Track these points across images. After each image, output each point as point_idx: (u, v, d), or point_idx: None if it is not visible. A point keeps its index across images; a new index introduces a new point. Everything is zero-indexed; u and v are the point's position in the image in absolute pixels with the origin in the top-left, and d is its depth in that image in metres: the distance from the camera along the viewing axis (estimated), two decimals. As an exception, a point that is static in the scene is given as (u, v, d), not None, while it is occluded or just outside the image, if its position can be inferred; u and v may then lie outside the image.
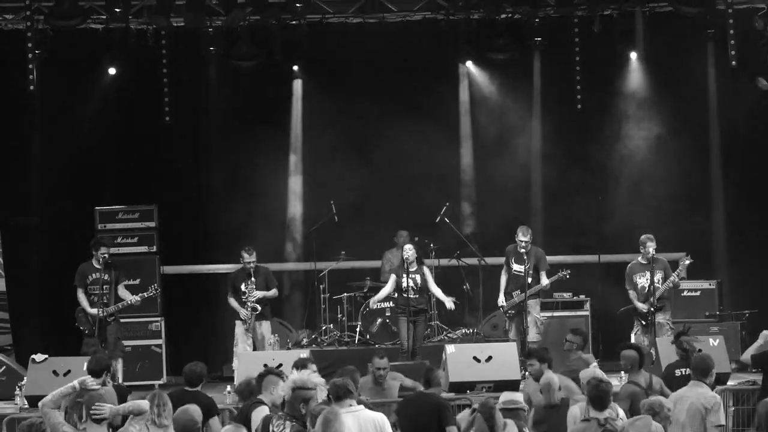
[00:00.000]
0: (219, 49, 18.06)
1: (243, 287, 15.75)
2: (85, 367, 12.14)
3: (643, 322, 15.52)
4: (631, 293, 15.66)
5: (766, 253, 17.95)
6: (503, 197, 18.28)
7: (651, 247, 15.44)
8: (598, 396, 9.31)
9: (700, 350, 12.83)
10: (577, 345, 13.03)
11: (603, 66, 18.77)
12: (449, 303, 15.99)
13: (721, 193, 18.72)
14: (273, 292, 15.90)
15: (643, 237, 15.64)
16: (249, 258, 15.70)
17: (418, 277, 15.78)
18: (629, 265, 15.82)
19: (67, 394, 9.33)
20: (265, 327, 15.84)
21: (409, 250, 15.79)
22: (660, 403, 8.98)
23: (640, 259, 15.70)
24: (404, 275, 15.71)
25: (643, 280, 15.57)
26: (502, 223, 17.38)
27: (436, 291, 16.06)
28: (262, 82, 18.65)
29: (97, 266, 15.06)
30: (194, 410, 9.08)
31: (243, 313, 15.66)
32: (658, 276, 15.41)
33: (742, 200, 18.45)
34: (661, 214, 18.29)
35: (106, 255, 15.09)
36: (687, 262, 15.73)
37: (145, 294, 15.16)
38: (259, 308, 15.67)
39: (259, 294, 15.69)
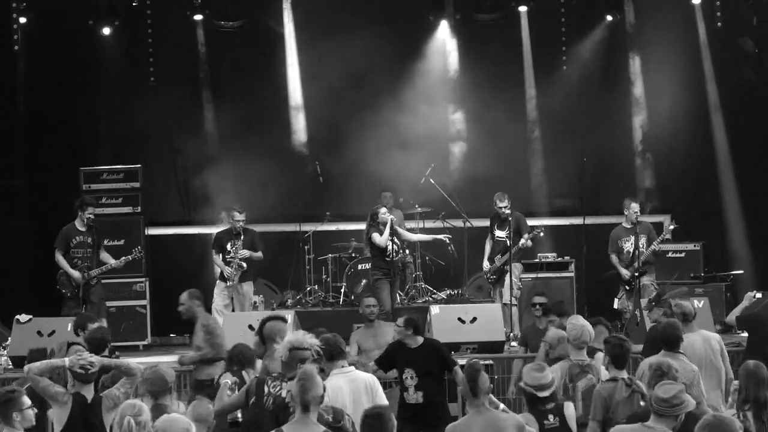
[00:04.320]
0: (204, 9, 17.91)
1: (229, 246, 15.60)
2: (69, 328, 12.14)
3: (627, 287, 15.57)
4: (613, 257, 15.72)
5: (752, 215, 17.99)
6: (490, 158, 18.20)
7: (633, 209, 15.50)
8: (619, 355, 9.25)
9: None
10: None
11: (589, 27, 18.74)
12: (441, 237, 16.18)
13: (727, 158, 18.65)
14: (259, 254, 15.67)
15: (626, 200, 15.73)
16: (240, 217, 15.50)
17: (398, 241, 15.53)
18: (614, 229, 15.87)
19: (56, 368, 9.06)
20: (246, 287, 15.73)
21: (384, 214, 15.32)
22: (668, 365, 8.85)
23: (624, 223, 15.78)
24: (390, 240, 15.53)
25: (627, 245, 15.64)
26: (488, 184, 17.33)
27: (420, 237, 16.42)
28: (248, 42, 18.55)
29: (81, 228, 14.82)
30: (165, 371, 8.88)
31: (227, 271, 15.48)
32: (642, 240, 15.47)
33: (737, 165, 18.49)
34: (648, 176, 18.27)
35: (92, 216, 14.83)
36: (671, 227, 15.75)
37: (129, 257, 14.98)
38: (245, 266, 15.55)
39: (247, 253, 15.53)
